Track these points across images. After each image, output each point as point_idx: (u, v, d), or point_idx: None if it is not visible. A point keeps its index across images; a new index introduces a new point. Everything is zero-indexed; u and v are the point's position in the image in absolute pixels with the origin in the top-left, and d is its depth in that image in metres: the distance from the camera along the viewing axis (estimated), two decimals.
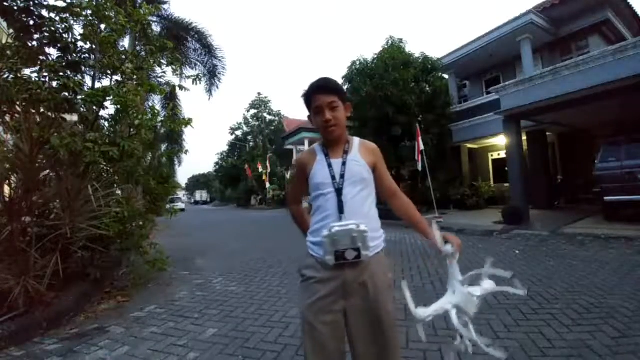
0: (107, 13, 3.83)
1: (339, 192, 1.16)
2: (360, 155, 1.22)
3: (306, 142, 24.88)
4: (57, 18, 3.75)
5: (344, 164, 1.20)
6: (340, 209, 1.14)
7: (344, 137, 1.25)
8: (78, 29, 3.90)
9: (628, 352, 1.92)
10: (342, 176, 1.18)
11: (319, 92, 1.19)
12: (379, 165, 1.26)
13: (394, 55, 11.12)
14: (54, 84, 3.63)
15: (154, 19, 10.63)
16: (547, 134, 10.74)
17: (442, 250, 1.17)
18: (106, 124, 4.26)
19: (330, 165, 1.20)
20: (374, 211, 1.21)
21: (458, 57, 12.06)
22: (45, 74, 3.62)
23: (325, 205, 1.17)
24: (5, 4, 3.65)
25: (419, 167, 9.34)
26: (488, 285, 1.12)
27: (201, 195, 57.03)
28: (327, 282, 1.13)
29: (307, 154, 1.29)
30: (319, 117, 1.19)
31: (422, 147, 9.15)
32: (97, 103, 3.70)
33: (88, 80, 4.08)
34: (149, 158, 5.04)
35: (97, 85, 4.11)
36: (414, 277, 3.78)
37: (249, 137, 33.26)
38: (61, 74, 3.63)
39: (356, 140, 1.28)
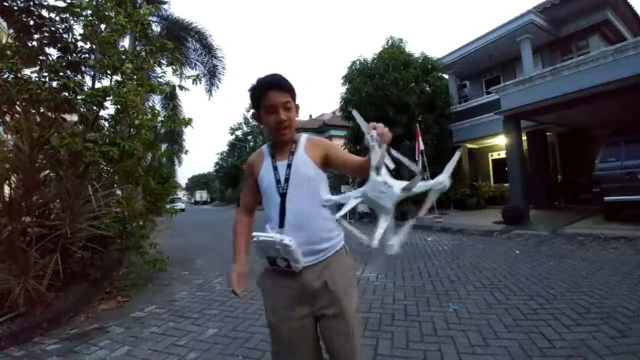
0: (107, 13, 3.83)
1: (282, 197, 1.11)
2: (305, 153, 1.15)
3: None
4: (57, 18, 3.75)
5: (289, 166, 1.14)
6: (282, 216, 1.09)
7: (294, 137, 1.19)
8: (78, 29, 3.90)
9: (628, 352, 1.92)
10: (287, 180, 1.12)
11: (273, 89, 1.10)
12: (332, 154, 1.16)
13: (394, 55, 11.12)
14: (54, 84, 3.62)
15: (154, 19, 10.63)
16: (547, 134, 10.74)
17: (368, 133, 0.88)
18: (106, 124, 4.26)
19: (275, 169, 1.15)
20: (325, 210, 1.12)
21: (458, 57, 12.05)
22: (45, 74, 3.62)
23: (271, 211, 1.13)
24: (5, 4, 3.65)
25: (419, 167, 9.32)
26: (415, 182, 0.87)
27: (201, 195, 56.99)
28: (285, 289, 1.10)
29: (256, 156, 1.24)
30: (272, 117, 1.11)
31: (422, 147, 9.15)
32: (97, 103, 3.70)
33: (88, 80, 4.09)
34: (149, 158, 5.03)
35: (97, 85, 4.11)
36: (414, 277, 3.78)
37: (249, 137, 33.24)
38: (61, 74, 3.63)
39: (303, 138, 1.20)
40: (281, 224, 1.09)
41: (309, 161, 1.14)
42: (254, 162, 1.23)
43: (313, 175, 1.13)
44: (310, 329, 1.11)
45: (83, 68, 4.02)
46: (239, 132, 33.85)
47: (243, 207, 1.33)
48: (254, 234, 1.05)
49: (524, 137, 9.60)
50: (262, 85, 1.12)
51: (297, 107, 1.17)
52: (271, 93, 1.10)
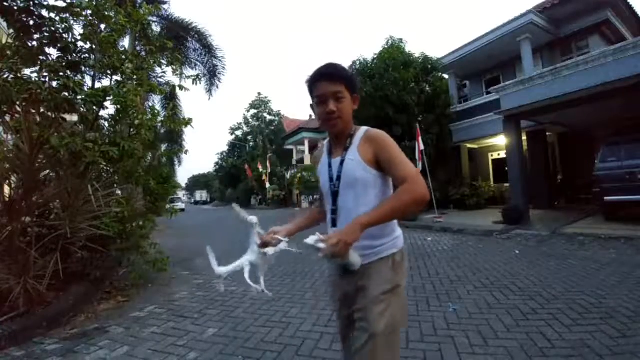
0: (107, 13, 3.83)
1: (334, 195, 1.09)
2: (357, 151, 1.07)
3: (306, 142, 24.92)
4: (57, 18, 3.74)
5: (342, 163, 1.09)
6: (334, 217, 1.08)
7: (348, 131, 1.11)
8: (78, 29, 3.90)
9: (628, 352, 1.92)
10: (339, 178, 1.08)
11: (324, 79, 1.06)
12: (382, 155, 1.04)
13: (394, 56, 11.12)
14: (54, 84, 3.62)
15: (154, 19, 10.63)
16: (547, 134, 10.73)
17: (247, 219, 1.20)
18: (106, 124, 4.26)
19: (330, 166, 1.13)
20: None
21: (458, 57, 12.04)
22: (45, 74, 3.62)
23: (327, 208, 1.13)
24: (5, 4, 3.65)
25: (419, 167, 9.34)
26: (280, 245, 1.13)
27: (201, 195, 57.00)
28: (334, 288, 1.19)
29: (318, 152, 1.25)
30: (321, 108, 1.07)
31: (422, 147, 9.15)
32: (97, 103, 3.70)
33: (88, 80, 4.08)
34: (149, 158, 5.03)
35: (97, 85, 4.10)
36: (414, 277, 3.78)
37: (249, 137, 33.24)
38: (61, 74, 3.63)
39: (360, 132, 1.11)
40: (333, 224, 1.08)
41: (359, 160, 1.05)
42: (316, 157, 1.24)
43: (361, 176, 1.05)
44: (352, 332, 1.09)
45: (83, 68, 4.02)
46: (239, 132, 33.87)
47: (321, 201, 1.32)
48: (306, 239, 0.95)
49: (524, 137, 9.60)
50: (314, 75, 1.08)
51: (355, 98, 1.10)
52: (321, 83, 1.06)
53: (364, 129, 1.12)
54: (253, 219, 1.19)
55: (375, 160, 1.05)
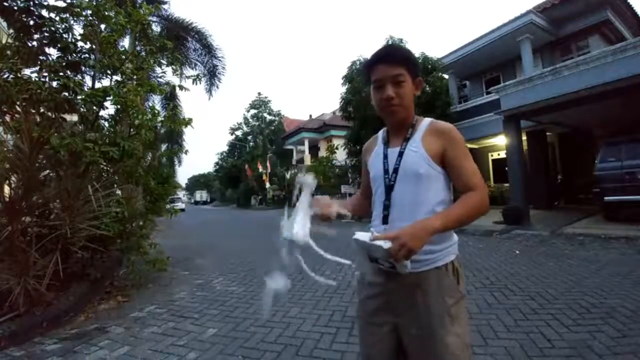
0: (107, 13, 3.83)
1: (389, 189, 0.96)
2: (422, 143, 0.95)
3: (306, 142, 24.93)
4: (57, 18, 3.75)
5: (400, 154, 0.97)
6: (385, 213, 0.95)
7: (410, 119, 1.00)
8: (78, 29, 3.91)
9: (628, 352, 1.92)
10: (396, 170, 0.96)
11: (382, 62, 0.95)
12: (450, 153, 0.94)
13: None
14: (54, 84, 3.63)
15: (154, 19, 10.62)
16: (547, 134, 10.73)
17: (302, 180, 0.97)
18: (106, 124, 4.26)
19: (385, 157, 1.00)
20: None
21: (458, 57, 12.04)
22: (45, 74, 3.63)
23: (376, 205, 1.00)
24: (5, 4, 3.65)
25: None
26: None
27: (201, 195, 56.98)
28: (372, 290, 0.99)
29: (371, 141, 1.13)
30: (379, 94, 0.96)
31: None
32: (97, 103, 3.71)
33: (88, 80, 4.09)
34: (149, 158, 5.03)
35: (97, 85, 4.11)
36: None
37: (249, 137, 33.25)
38: (61, 74, 3.63)
39: (424, 123, 1.00)
40: (384, 221, 0.95)
41: (423, 154, 0.94)
42: (367, 147, 1.12)
43: (424, 172, 0.93)
44: (389, 342, 0.97)
45: (83, 68, 4.03)
46: (239, 132, 33.88)
47: (362, 193, 1.21)
48: (357, 234, 0.85)
49: (524, 137, 9.59)
50: (371, 58, 0.98)
51: (417, 82, 0.99)
52: (379, 66, 0.95)
53: (428, 119, 1.02)
54: (308, 179, 0.97)
55: (441, 156, 0.94)
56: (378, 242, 0.79)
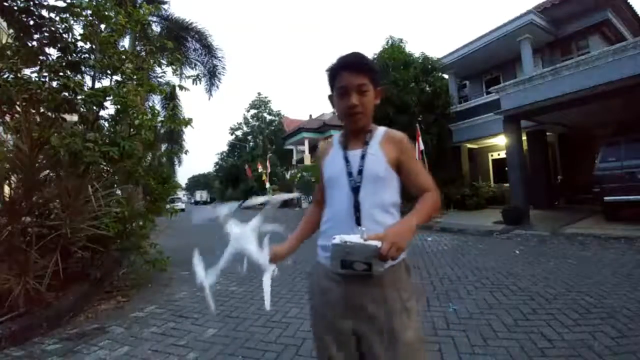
0: (107, 13, 3.83)
1: (355, 191, 0.97)
2: (380, 148, 1.01)
3: (306, 142, 24.92)
4: (57, 18, 3.75)
5: (363, 157, 1.00)
6: (357, 214, 0.95)
7: (368, 127, 1.05)
8: (78, 29, 3.90)
9: (628, 352, 1.92)
10: (360, 172, 0.98)
11: (348, 69, 0.97)
12: (405, 160, 1.01)
13: (394, 56, 11.13)
14: (54, 84, 3.63)
15: (154, 19, 10.63)
16: (547, 134, 10.73)
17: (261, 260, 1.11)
18: (106, 124, 4.26)
19: (346, 159, 1.02)
20: (387, 216, 0.98)
21: (458, 57, 12.04)
22: (45, 74, 3.62)
23: (337, 206, 1.00)
24: (5, 4, 3.65)
25: None
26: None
27: (201, 195, 56.91)
28: (328, 296, 0.99)
29: (325, 145, 1.14)
30: (343, 101, 0.99)
31: (422, 147, 9.16)
32: (97, 103, 3.71)
33: (88, 80, 4.09)
34: (149, 158, 5.03)
35: (97, 85, 4.11)
36: (414, 277, 3.77)
37: (249, 137, 33.28)
38: (61, 74, 3.63)
39: (381, 131, 1.05)
40: (358, 222, 0.95)
41: (382, 157, 0.99)
42: (323, 151, 1.13)
43: (383, 174, 0.98)
44: (352, 350, 0.97)
45: (83, 68, 4.02)
46: (239, 132, 33.91)
47: (314, 200, 1.23)
48: (344, 237, 0.84)
49: (524, 137, 9.59)
50: (337, 65, 1.00)
51: (378, 92, 1.03)
52: (344, 73, 0.97)
53: (383, 128, 1.07)
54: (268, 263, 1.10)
55: (396, 163, 1.01)
56: (373, 242, 0.81)
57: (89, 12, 3.76)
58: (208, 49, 11.81)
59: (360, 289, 0.95)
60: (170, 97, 11.62)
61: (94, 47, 3.97)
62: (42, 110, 3.62)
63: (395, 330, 0.92)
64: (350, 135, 1.06)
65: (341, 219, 0.98)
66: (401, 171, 1.01)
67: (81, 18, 3.83)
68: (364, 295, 0.95)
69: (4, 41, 3.79)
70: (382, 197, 0.98)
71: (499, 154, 12.46)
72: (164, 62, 4.68)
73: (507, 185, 9.41)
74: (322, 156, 1.13)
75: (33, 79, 3.53)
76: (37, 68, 3.70)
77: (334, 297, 0.98)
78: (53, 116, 3.65)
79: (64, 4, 3.71)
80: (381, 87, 1.05)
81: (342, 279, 0.95)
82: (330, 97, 1.07)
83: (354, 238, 0.83)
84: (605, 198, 6.47)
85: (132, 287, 3.88)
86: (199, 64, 12.08)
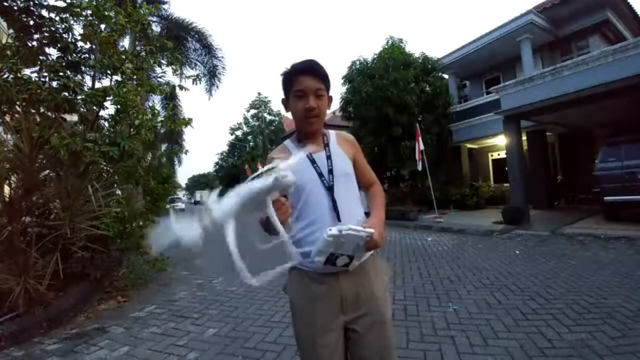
0: (107, 13, 3.83)
1: (330, 190, 1.00)
2: (340, 148, 1.09)
3: None
4: (57, 18, 3.75)
5: (328, 157, 1.04)
6: (336, 211, 0.98)
7: (321, 130, 1.10)
8: (78, 29, 3.91)
9: (628, 352, 1.93)
10: (331, 171, 1.02)
11: (307, 74, 1.01)
12: (358, 157, 1.13)
13: (394, 56, 11.11)
14: (54, 84, 3.62)
15: (154, 19, 10.64)
16: (547, 134, 10.73)
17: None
18: (106, 124, 4.26)
19: (313, 161, 1.02)
20: (360, 210, 1.06)
21: (458, 57, 12.04)
22: (45, 74, 3.62)
23: (317, 208, 0.99)
24: (5, 4, 3.65)
25: (419, 167, 9.34)
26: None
27: (201, 195, 56.97)
28: (323, 299, 0.99)
29: (277, 152, 1.12)
30: (301, 103, 1.01)
31: (422, 147, 9.15)
32: (97, 103, 3.71)
33: (88, 80, 4.09)
34: (149, 158, 5.03)
35: (97, 85, 4.11)
36: (414, 277, 3.78)
37: (249, 137, 33.26)
38: (61, 74, 3.63)
39: (332, 133, 1.14)
40: (339, 219, 0.97)
41: (344, 156, 1.08)
42: (277, 156, 1.08)
43: (349, 171, 1.08)
44: (341, 345, 1.00)
45: (83, 68, 4.02)
46: (239, 132, 33.88)
47: None
48: (340, 227, 0.84)
49: (524, 137, 9.59)
50: (295, 69, 1.04)
51: (330, 98, 1.08)
52: (303, 78, 1.01)
53: (333, 130, 1.16)
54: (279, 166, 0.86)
55: (353, 160, 1.12)
56: (369, 230, 0.87)
57: (89, 12, 3.76)
58: (208, 49, 11.81)
59: (353, 280, 1.00)
60: (170, 97, 11.63)
61: (94, 47, 3.97)
62: (42, 110, 3.62)
63: (384, 315, 1.02)
64: (307, 138, 1.08)
65: (324, 219, 0.98)
66: (356, 167, 1.12)
67: (81, 18, 3.83)
68: (357, 284, 1.01)
69: (4, 41, 3.78)
70: (353, 192, 1.07)
71: (499, 154, 12.46)
72: (164, 62, 4.68)
73: (507, 185, 9.41)
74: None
75: (33, 79, 3.52)
76: (37, 68, 3.70)
77: (330, 297, 0.99)
78: (53, 116, 3.65)
79: (64, 4, 3.71)
80: (331, 96, 1.10)
81: (336, 276, 0.98)
82: (283, 101, 1.11)
83: (346, 227, 0.84)
84: (605, 198, 6.47)
85: (132, 287, 3.88)
86: (199, 64, 12.09)
